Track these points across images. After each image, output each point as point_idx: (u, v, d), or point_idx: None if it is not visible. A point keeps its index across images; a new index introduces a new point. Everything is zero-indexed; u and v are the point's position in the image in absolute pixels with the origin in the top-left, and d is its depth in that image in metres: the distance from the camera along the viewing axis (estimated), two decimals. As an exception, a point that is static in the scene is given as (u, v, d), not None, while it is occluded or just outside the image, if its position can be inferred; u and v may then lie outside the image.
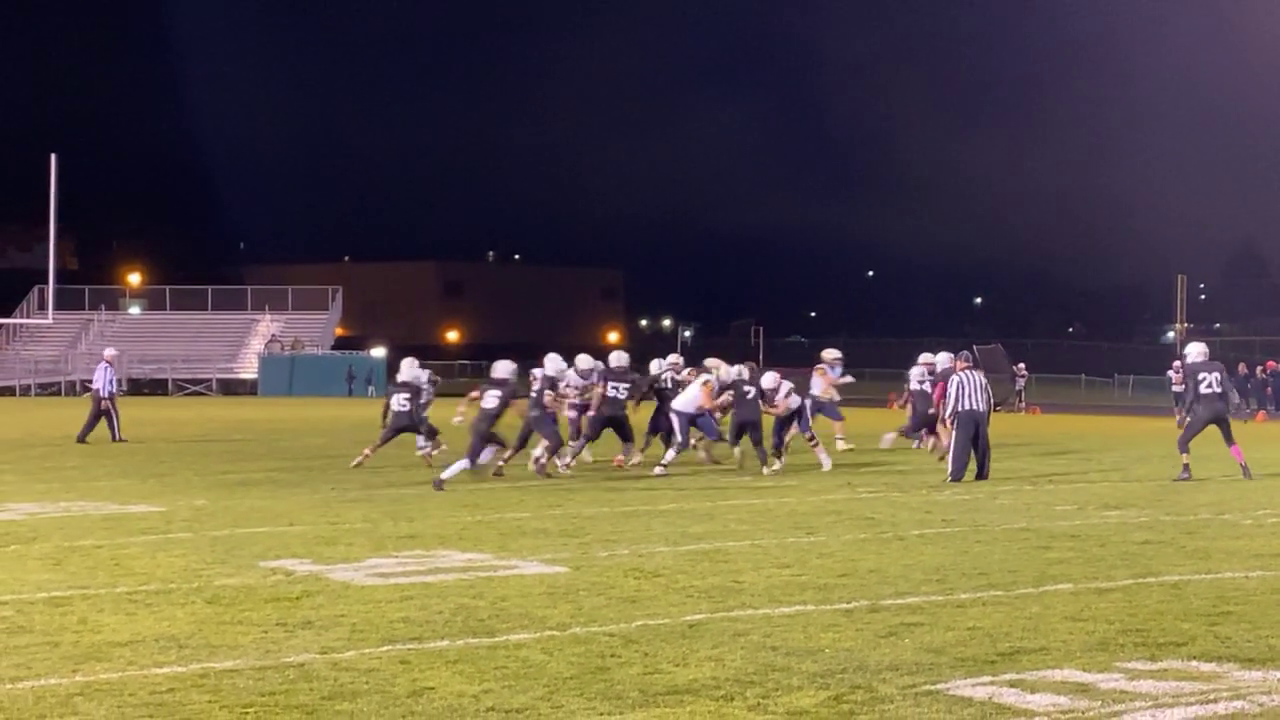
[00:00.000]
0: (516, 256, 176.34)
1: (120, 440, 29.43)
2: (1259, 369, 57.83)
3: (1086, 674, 8.00)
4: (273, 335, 78.17)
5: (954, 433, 20.87)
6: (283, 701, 7.41)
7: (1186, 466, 20.64)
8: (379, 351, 79.95)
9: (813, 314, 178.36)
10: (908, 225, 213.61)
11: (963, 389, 20.79)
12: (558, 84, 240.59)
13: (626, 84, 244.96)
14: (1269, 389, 56.94)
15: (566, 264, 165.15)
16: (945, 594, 10.68)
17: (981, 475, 20.61)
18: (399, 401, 22.38)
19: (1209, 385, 21.02)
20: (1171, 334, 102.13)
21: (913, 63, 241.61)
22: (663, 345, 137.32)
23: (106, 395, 30.30)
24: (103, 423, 29.92)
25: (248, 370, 75.76)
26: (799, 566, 12.03)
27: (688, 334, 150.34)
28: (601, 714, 7.18)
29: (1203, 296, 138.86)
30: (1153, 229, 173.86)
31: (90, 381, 30.94)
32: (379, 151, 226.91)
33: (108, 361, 31.18)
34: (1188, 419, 21.51)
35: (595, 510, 16.45)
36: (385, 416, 22.66)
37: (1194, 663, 8.31)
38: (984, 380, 21.16)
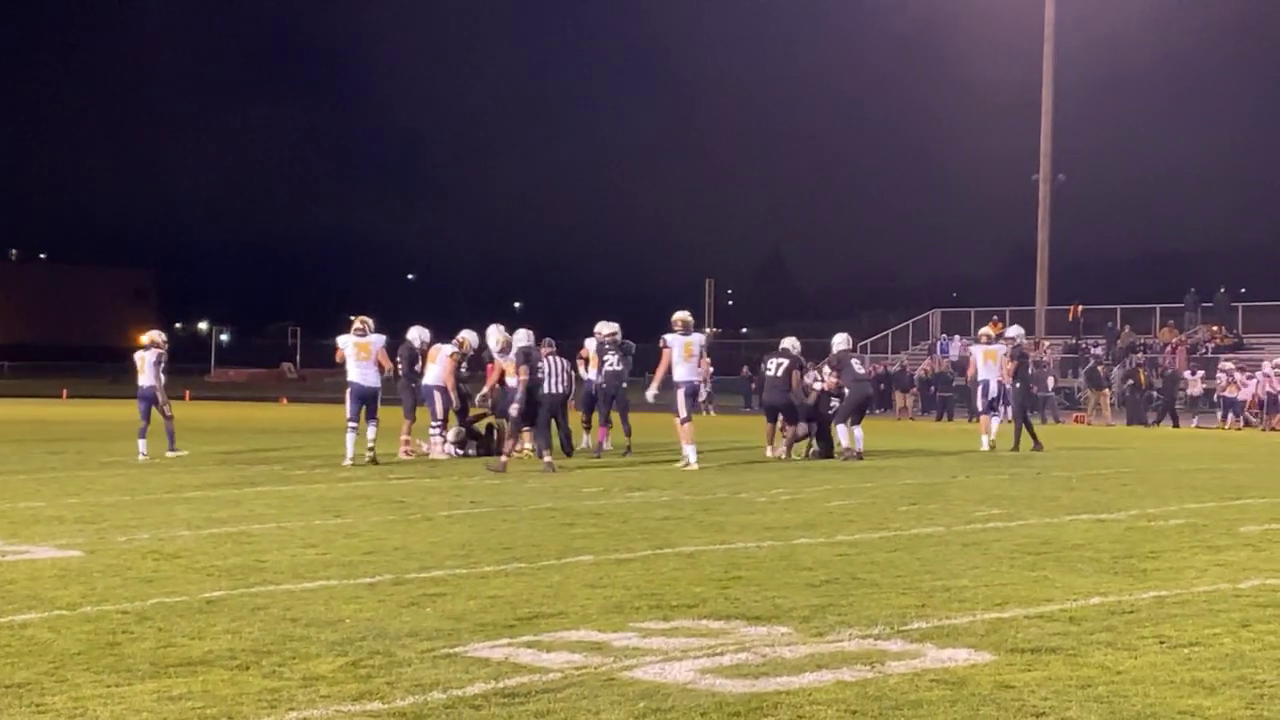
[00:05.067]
0: (42, 256, 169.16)
1: None
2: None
3: (601, 634, 8.18)
4: None
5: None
6: None
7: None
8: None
9: (352, 316, 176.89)
10: (448, 229, 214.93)
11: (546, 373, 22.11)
12: (91, 80, 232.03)
13: (162, 81, 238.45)
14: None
15: (95, 264, 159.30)
16: (470, 567, 10.76)
17: (567, 452, 22.48)
18: None
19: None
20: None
21: (449, 67, 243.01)
22: (199, 347, 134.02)
23: None
24: None
25: None
26: (324, 546, 11.93)
27: (224, 336, 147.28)
28: (109, 686, 6.95)
29: (731, 302, 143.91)
30: (687, 236, 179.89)
31: None
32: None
33: None
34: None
35: (116, 498, 15.94)
36: None
37: (704, 621, 8.60)
38: (566, 364, 22.25)
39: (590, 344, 25.04)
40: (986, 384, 26.73)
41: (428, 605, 9.12)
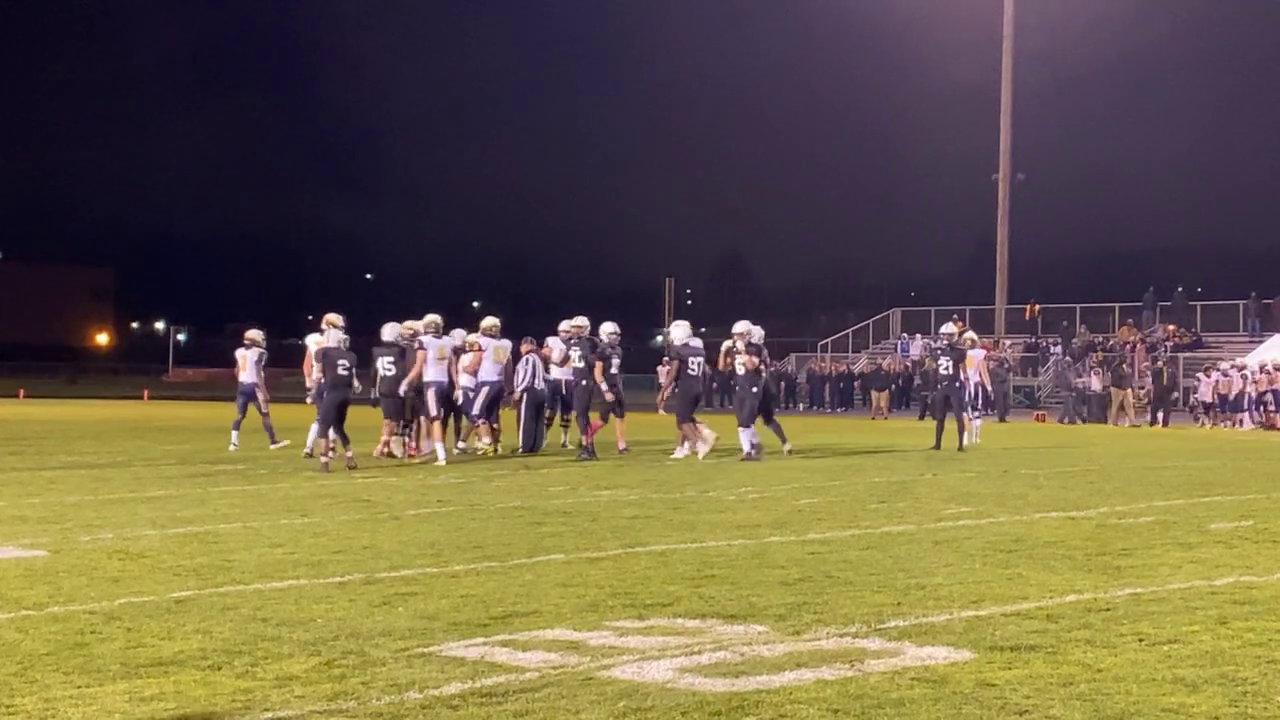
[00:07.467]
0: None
1: None
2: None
3: (577, 633, 8.11)
4: None
5: (522, 410, 23.51)
6: None
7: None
8: None
9: (310, 316, 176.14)
10: (405, 228, 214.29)
11: (529, 371, 23.28)
12: (47, 78, 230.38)
13: (116, 79, 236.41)
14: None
15: (53, 263, 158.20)
16: (440, 566, 10.67)
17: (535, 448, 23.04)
18: None
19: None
20: (660, 337, 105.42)
21: (408, 64, 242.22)
22: (156, 347, 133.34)
23: None
24: None
25: None
26: (292, 545, 11.82)
27: (182, 336, 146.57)
28: (80, 687, 6.84)
29: (690, 301, 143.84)
30: (647, 234, 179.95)
31: None
32: None
33: None
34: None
35: (79, 498, 15.76)
36: None
37: (680, 620, 8.53)
38: (540, 364, 23.32)
39: (554, 342, 24.77)
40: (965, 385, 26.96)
41: (400, 604, 9.02)
